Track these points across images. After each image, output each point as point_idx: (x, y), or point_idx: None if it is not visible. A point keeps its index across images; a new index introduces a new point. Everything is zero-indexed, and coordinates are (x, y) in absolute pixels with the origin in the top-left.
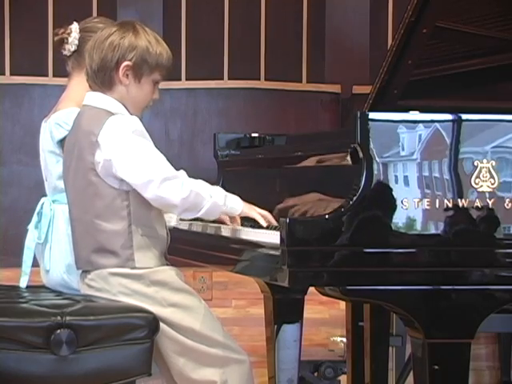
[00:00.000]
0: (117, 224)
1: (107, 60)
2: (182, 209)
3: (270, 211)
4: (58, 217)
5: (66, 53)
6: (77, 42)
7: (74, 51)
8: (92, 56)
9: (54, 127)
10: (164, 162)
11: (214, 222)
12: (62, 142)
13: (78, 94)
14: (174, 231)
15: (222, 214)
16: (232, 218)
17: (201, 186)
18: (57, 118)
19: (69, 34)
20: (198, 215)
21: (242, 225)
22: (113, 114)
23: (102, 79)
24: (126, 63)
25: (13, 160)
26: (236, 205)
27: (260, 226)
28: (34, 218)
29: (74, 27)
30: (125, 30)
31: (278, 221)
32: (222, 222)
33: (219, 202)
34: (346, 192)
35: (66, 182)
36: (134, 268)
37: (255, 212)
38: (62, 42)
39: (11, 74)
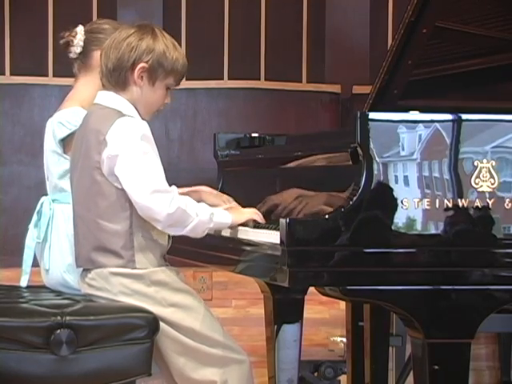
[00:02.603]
0: (119, 224)
1: (124, 60)
2: (165, 224)
3: (271, 212)
4: (57, 216)
5: (71, 55)
6: (82, 43)
7: (80, 53)
8: (108, 55)
9: (56, 126)
10: (160, 174)
11: None
12: (63, 142)
13: (84, 94)
14: None
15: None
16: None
17: (188, 205)
18: (60, 116)
19: (74, 36)
20: (183, 233)
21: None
22: (123, 114)
23: (117, 79)
24: (142, 65)
25: (13, 160)
26: (224, 219)
27: (260, 225)
28: (34, 217)
29: (79, 29)
30: (143, 32)
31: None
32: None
33: (205, 221)
34: (346, 192)
35: (71, 180)
36: (135, 268)
37: (246, 216)
38: (67, 45)
39: (11, 74)
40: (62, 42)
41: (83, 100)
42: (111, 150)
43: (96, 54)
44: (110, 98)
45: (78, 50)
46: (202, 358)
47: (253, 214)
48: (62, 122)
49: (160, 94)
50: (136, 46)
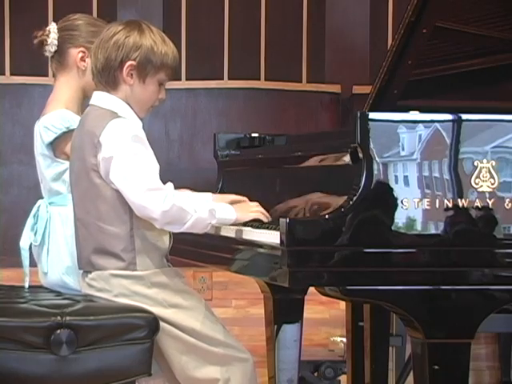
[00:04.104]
0: (119, 227)
1: (111, 59)
2: (162, 222)
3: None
4: (54, 219)
5: (47, 54)
6: (56, 42)
7: (55, 52)
8: (97, 55)
9: (42, 130)
10: (153, 173)
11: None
12: (52, 145)
13: (65, 94)
14: None
15: (209, 227)
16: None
17: (185, 201)
18: (45, 121)
19: (47, 35)
20: (182, 230)
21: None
22: (117, 115)
23: (107, 79)
24: (130, 63)
25: (13, 160)
26: (227, 215)
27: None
28: (30, 221)
29: (52, 28)
30: (130, 29)
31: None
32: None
33: (205, 217)
34: (346, 192)
35: (70, 182)
36: (136, 270)
37: (250, 214)
38: (41, 44)
39: (11, 74)
40: (35, 41)
41: (66, 100)
42: (105, 152)
43: (72, 52)
44: (104, 99)
45: (53, 48)
46: (203, 356)
47: (259, 214)
48: (47, 127)
49: (152, 90)
50: (123, 43)
